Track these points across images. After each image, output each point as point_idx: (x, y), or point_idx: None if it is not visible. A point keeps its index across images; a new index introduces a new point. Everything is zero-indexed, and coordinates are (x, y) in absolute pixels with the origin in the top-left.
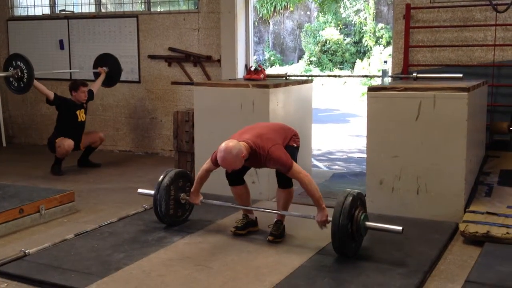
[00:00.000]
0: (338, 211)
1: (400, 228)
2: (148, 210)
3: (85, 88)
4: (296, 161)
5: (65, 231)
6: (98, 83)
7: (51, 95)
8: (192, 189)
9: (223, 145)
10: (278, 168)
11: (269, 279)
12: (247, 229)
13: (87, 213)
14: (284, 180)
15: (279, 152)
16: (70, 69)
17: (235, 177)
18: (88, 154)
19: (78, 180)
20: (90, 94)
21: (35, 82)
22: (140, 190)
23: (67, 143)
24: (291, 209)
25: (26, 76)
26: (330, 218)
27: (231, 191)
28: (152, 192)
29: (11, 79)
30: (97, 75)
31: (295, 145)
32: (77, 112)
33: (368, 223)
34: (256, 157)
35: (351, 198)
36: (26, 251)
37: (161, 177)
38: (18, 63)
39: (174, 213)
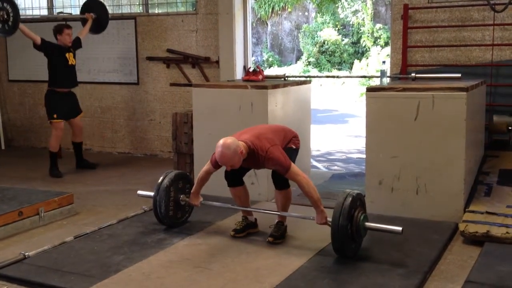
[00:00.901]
0: (337, 212)
1: (400, 228)
2: (148, 212)
3: (69, 30)
4: (294, 163)
5: (65, 233)
6: (86, 30)
7: (38, 39)
8: (192, 191)
9: (221, 141)
10: (276, 169)
11: (269, 281)
12: (246, 231)
13: (87, 215)
14: (280, 181)
15: (278, 153)
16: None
17: (234, 178)
18: (79, 153)
19: (77, 182)
20: (77, 41)
21: (22, 26)
22: (139, 192)
23: (59, 128)
24: (290, 210)
25: (11, 19)
26: (329, 219)
27: (230, 192)
28: (151, 194)
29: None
30: (84, 21)
31: (294, 147)
32: (66, 55)
33: (368, 224)
34: (254, 157)
35: (350, 198)
36: (26, 254)
37: (161, 178)
38: (4, 5)
39: (174, 215)
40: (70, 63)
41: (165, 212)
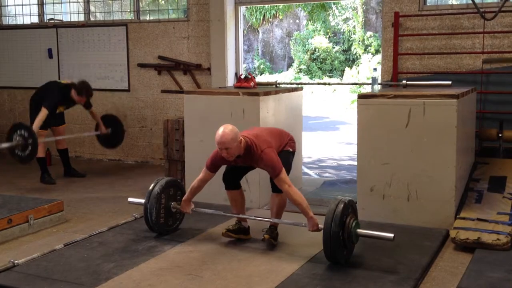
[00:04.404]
0: (329, 219)
1: (392, 235)
2: (138, 219)
3: (85, 98)
4: (290, 166)
5: (54, 241)
6: (96, 118)
7: (45, 112)
8: (184, 198)
9: (222, 126)
10: (267, 170)
11: None
12: (239, 235)
13: (77, 222)
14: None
15: (272, 155)
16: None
17: (232, 181)
18: (66, 160)
19: (67, 190)
20: (88, 106)
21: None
22: (130, 199)
23: (43, 135)
24: (283, 217)
25: (30, 148)
26: (321, 226)
27: (227, 195)
28: (142, 201)
29: (16, 150)
30: (97, 127)
31: (291, 149)
32: (59, 107)
33: (360, 231)
34: (250, 154)
35: (342, 205)
36: (15, 262)
37: (152, 185)
38: (23, 133)
39: (165, 222)
40: (57, 111)
41: (156, 220)
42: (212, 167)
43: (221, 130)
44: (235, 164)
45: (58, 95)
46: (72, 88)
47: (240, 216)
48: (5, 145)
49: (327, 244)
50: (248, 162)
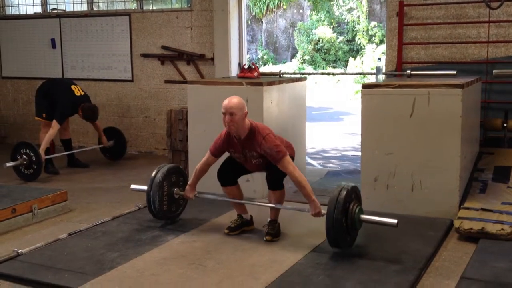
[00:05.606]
0: (332, 205)
1: (395, 221)
2: (142, 209)
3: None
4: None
5: (58, 230)
6: (99, 131)
7: (57, 127)
8: (189, 183)
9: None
10: (271, 154)
11: (264, 277)
12: (241, 229)
13: (80, 212)
14: (274, 182)
15: (274, 139)
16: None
17: (227, 177)
18: (70, 150)
19: (71, 180)
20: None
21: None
22: (133, 186)
23: (48, 125)
24: (282, 212)
25: (35, 167)
26: (324, 212)
27: (223, 192)
28: (145, 187)
29: (20, 167)
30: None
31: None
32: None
33: (363, 216)
34: (253, 137)
35: (345, 192)
36: (19, 251)
37: (154, 173)
38: (28, 151)
39: (168, 209)
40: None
41: (159, 207)
42: (216, 151)
43: (227, 98)
44: (237, 152)
45: (69, 109)
46: (81, 103)
47: (242, 202)
48: (10, 164)
49: (330, 230)
50: (250, 146)
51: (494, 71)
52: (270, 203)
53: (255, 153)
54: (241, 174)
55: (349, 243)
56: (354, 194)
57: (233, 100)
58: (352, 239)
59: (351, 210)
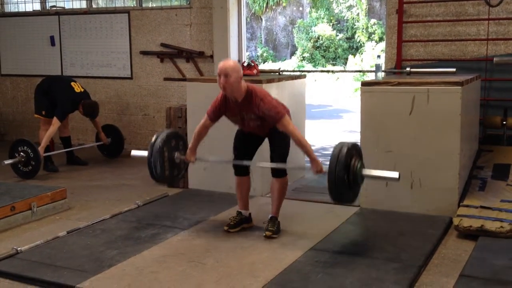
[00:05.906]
0: (334, 162)
1: (397, 173)
2: (141, 207)
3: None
4: (289, 144)
5: (57, 228)
6: (98, 128)
7: (57, 123)
8: (189, 146)
9: None
10: (270, 116)
11: (263, 275)
12: (240, 226)
13: (80, 210)
14: (278, 169)
15: (272, 100)
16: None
17: (241, 168)
18: (69, 147)
19: (70, 177)
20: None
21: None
22: (133, 152)
23: (47, 123)
24: (285, 204)
25: (32, 164)
26: (325, 170)
27: (235, 181)
28: (145, 153)
29: (19, 165)
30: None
31: None
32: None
33: (365, 171)
34: (250, 100)
35: (346, 148)
36: (18, 249)
37: (153, 139)
38: (26, 149)
39: (170, 174)
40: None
41: (161, 173)
42: (212, 114)
43: (225, 60)
44: (233, 115)
45: (70, 106)
46: (81, 100)
47: (245, 162)
48: (8, 161)
49: (332, 187)
50: (248, 109)
51: (494, 58)
52: (272, 193)
53: (253, 115)
54: (256, 146)
55: (352, 199)
56: (354, 150)
57: (228, 62)
58: (355, 194)
59: (353, 165)
